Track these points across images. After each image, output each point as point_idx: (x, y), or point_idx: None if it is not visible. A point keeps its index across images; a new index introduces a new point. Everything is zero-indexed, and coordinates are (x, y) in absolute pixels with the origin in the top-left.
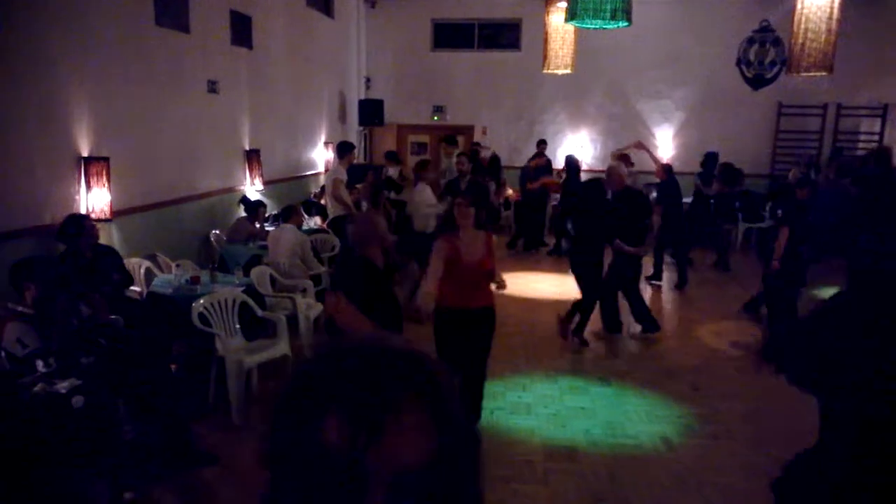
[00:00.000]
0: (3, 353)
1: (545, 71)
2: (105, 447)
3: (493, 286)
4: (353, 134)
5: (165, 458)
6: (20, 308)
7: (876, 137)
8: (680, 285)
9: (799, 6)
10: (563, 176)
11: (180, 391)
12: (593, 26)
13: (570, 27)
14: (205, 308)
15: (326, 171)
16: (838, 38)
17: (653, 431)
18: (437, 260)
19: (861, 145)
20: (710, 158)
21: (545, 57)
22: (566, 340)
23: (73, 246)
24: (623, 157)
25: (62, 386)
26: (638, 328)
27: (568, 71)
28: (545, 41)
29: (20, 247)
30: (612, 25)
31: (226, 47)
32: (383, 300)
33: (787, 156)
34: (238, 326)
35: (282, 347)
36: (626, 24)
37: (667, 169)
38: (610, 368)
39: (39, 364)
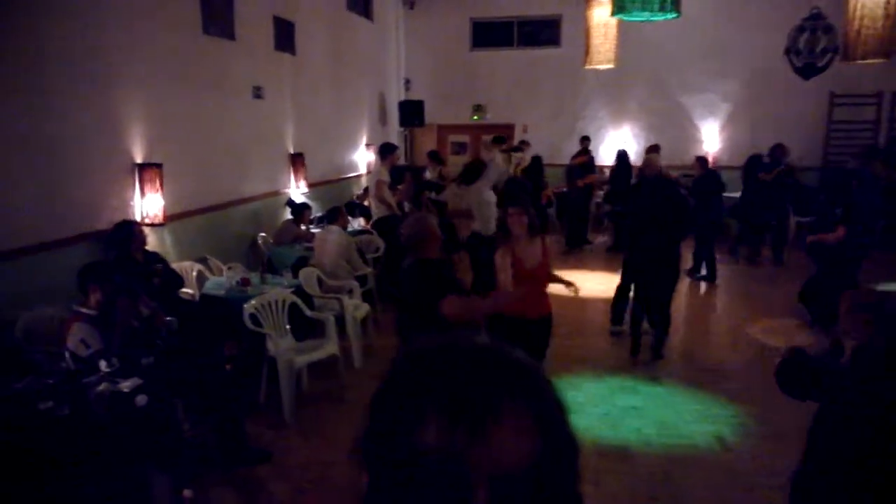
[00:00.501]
0: (67, 354)
1: (587, 66)
2: (167, 444)
3: (568, 290)
4: (394, 135)
5: (220, 456)
6: (84, 310)
7: None
8: (710, 278)
9: None
10: (608, 172)
11: (233, 390)
12: (640, 19)
13: (612, 21)
14: (256, 309)
15: (368, 172)
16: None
17: (707, 431)
18: (503, 270)
19: None
20: (752, 161)
21: (587, 52)
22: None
23: (124, 251)
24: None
25: (125, 385)
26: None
27: (610, 66)
28: (587, 36)
29: (80, 252)
30: (659, 17)
31: (270, 53)
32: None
33: (840, 147)
34: (288, 327)
35: (330, 347)
36: (674, 15)
37: (702, 162)
38: (660, 367)
39: (103, 364)
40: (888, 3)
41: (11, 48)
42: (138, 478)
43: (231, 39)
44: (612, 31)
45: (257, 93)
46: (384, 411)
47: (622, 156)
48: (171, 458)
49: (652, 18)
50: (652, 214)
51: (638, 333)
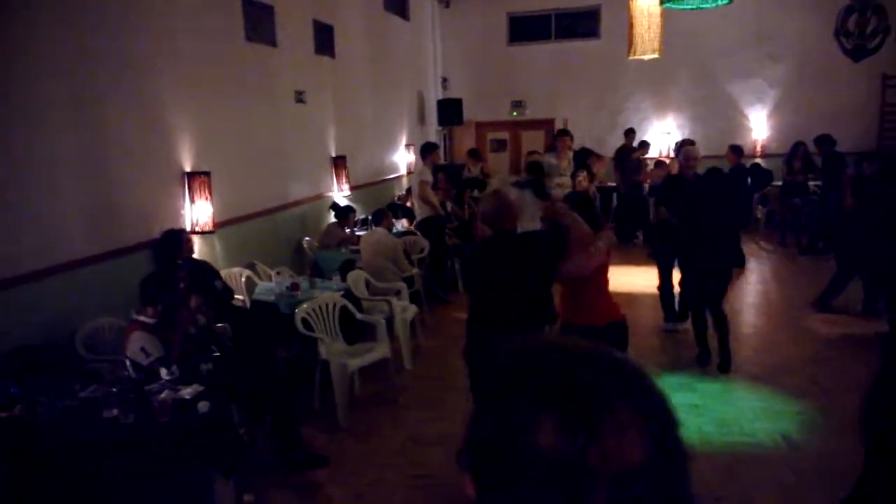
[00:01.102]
0: (127, 362)
1: (631, 57)
2: (229, 450)
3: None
4: (433, 134)
5: (277, 461)
6: (143, 318)
7: None
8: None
9: None
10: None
11: (289, 394)
12: (691, 6)
13: (656, 10)
14: (307, 314)
15: (409, 173)
16: None
17: (771, 428)
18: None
19: None
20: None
21: (630, 43)
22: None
23: (172, 260)
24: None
25: (186, 392)
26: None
27: (655, 56)
28: (630, 26)
29: (134, 261)
30: (710, 5)
31: (310, 57)
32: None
33: (895, 130)
34: (338, 331)
35: (382, 350)
36: (726, 1)
37: (736, 151)
38: (715, 363)
39: (163, 372)
40: None
41: (57, 61)
42: (202, 483)
43: (272, 46)
44: (657, 21)
45: (299, 97)
46: (496, 413)
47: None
48: (234, 464)
49: (702, 6)
50: (706, 213)
51: (705, 341)
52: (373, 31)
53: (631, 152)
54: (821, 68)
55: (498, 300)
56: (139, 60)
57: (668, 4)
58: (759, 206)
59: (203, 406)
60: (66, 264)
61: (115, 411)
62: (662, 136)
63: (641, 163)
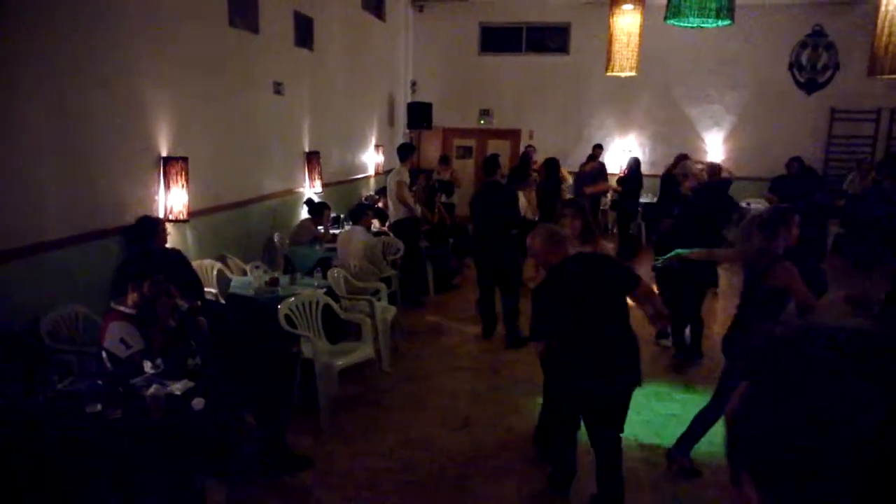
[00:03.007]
0: (104, 354)
1: (608, 73)
2: (224, 451)
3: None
4: (401, 137)
5: (262, 463)
6: (122, 308)
7: None
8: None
9: (883, 6)
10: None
11: (277, 393)
12: (691, 25)
13: (636, 29)
14: (290, 310)
15: (377, 174)
16: None
17: None
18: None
19: None
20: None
21: (608, 59)
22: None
23: (144, 248)
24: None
25: (176, 387)
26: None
27: (632, 73)
28: (609, 43)
29: (106, 247)
30: (710, 24)
31: (290, 48)
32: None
33: (840, 160)
34: (321, 329)
35: (367, 350)
36: (728, 22)
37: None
38: (691, 373)
39: (147, 365)
40: None
41: (30, 41)
42: (194, 486)
43: (255, 33)
44: (635, 40)
45: (277, 88)
46: (822, 398)
47: (635, 163)
48: (228, 466)
49: (703, 25)
50: (699, 223)
51: (684, 343)
52: (350, 29)
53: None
54: (775, 98)
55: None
56: (118, 40)
57: (671, 21)
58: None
59: (198, 403)
60: (31, 247)
61: (98, 406)
62: (624, 153)
63: (596, 175)
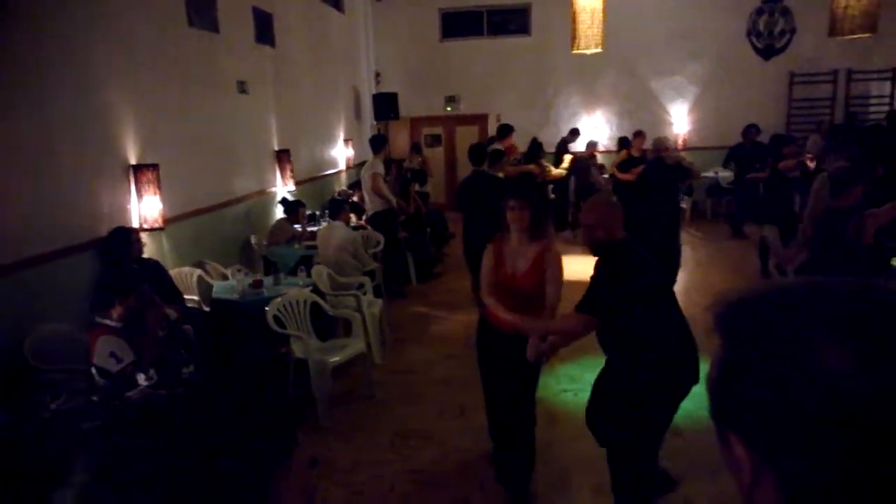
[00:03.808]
0: (94, 370)
1: (574, 51)
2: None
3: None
4: (368, 129)
5: None
6: (108, 322)
7: (887, 101)
8: None
9: None
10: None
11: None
12: None
13: (599, 5)
14: (279, 311)
15: (348, 168)
16: None
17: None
18: (485, 265)
19: (872, 109)
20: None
21: (573, 37)
22: None
23: (119, 259)
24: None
25: None
26: None
27: (598, 50)
28: (573, 21)
29: (81, 261)
30: None
31: (251, 46)
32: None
33: (801, 123)
34: (310, 327)
35: (358, 345)
36: None
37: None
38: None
39: (141, 377)
40: None
41: None
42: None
43: (215, 32)
44: (599, 16)
45: (242, 87)
46: (802, 358)
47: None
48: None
49: None
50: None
51: None
52: (310, 22)
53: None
54: (735, 66)
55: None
56: (80, 45)
57: None
58: (685, 197)
59: None
60: (4, 267)
61: (97, 423)
62: (592, 130)
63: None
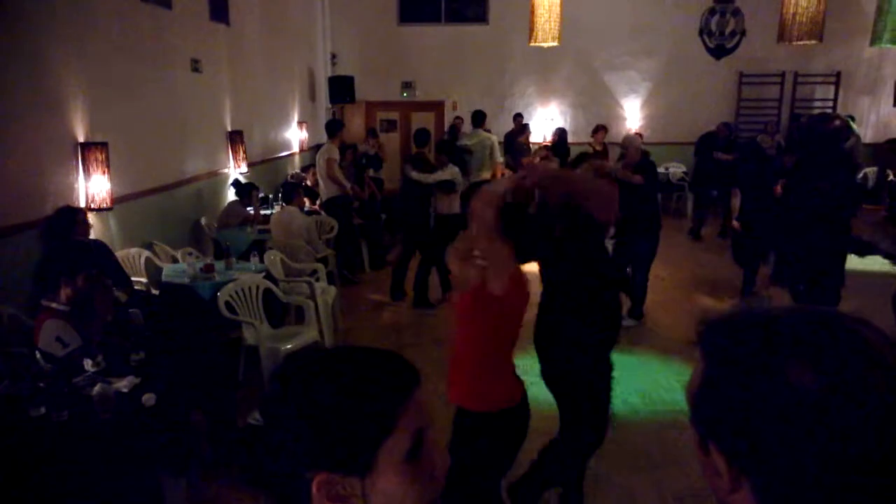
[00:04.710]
0: (38, 354)
1: (531, 44)
2: (180, 446)
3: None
4: (323, 112)
5: (215, 453)
6: (54, 305)
7: (830, 103)
8: None
9: None
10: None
11: (221, 383)
12: None
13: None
14: (230, 296)
15: (301, 150)
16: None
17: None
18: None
19: (817, 111)
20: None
21: (531, 30)
22: None
23: (65, 241)
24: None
25: (122, 385)
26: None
27: (555, 44)
28: (531, 13)
29: (24, 240)
30: None
31: (205, 23)
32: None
33: (749, 123)
34: (263, 314)
35: (311, 333)
36: None
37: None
38: (628, 338)
39: (88, 363)
40: None
41: None
42: (150, 483)
43: (168, 8)
44: (556, 10)
45: (195, 66)
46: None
47: (562, 133)
48: (186, 461)
49: None
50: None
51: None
52: (266, 1)
53: (518, 136)
54: (687, 64)
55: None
56: (26, 16)
57: None
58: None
59: (149, 399)
60: None
61: (42, 409)
62: (546, 122)
63: (526, 147)
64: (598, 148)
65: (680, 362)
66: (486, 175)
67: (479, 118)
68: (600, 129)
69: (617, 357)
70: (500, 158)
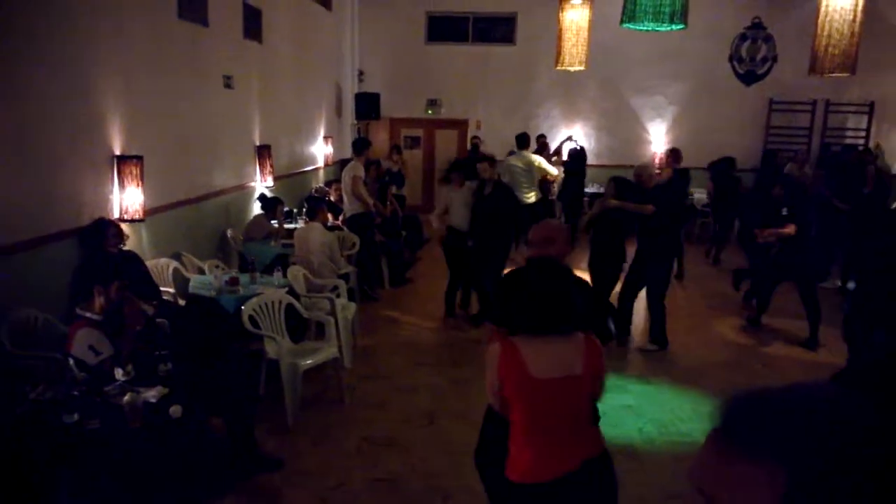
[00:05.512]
0: (71, 361)
1: (558, 68)
2: (203, 456)
3: None
4: (349, 128)
5: (234, 463)
6: (89, 314)
7: (863, 134)
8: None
9: (823, 7)
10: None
11: (247, 394)
12: (647, 28)
13: (584, 24)
14: (254, 310)
15: (326, 165)
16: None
17: (705, 429)
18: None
19: (848, 141)
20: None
21: (558, 54)
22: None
23: (100, 251)
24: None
25: (150, 394)
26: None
27: (581, 68)
28: (559, 38)
29: (61, 249)
30: (665, 28)
31: (239, 41)
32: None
33: (778, 151)
34: (284, 329)
35: (331, 349)
36: (681, 26)
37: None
38: (643, 366)
39: (119, 372)
40: (853, 21)
41: None
42: (175, 492)
43: (204, 25)
44: (584, 35)
45: (227, 82)
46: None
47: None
48: (207, 470)
49: (657, 28)
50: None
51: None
52: (298, 19)
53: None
54: (715, 89)
55: None
56: (66, 33)
57: (626, 25)
58: None
59: (175, 411)
60: None
61: (76, 416)
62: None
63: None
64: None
65: (695, 392)
66: (533, 197)
67: (524, 140)
68: (670, 154)
69: (633, 386)
70: (550, 171)
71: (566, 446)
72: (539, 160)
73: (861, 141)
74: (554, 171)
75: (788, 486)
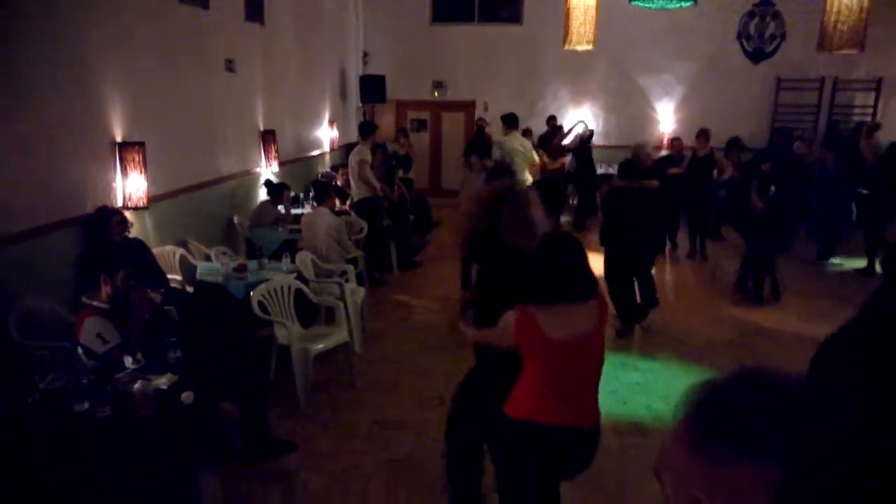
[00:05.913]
0: (80, 350)
1: (566, 47)
2: (215, 442)
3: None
4: (354, 111)
5: (245, 447)
6: (96, 303)
7: (870, 111)
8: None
9: None
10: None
11: (259, 379)
12: (655, 6)
13: (592, 2)
14: (263, 296)
15: (332, 149)
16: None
17: None
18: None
19: (856, 118)
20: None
21: (566, 33)
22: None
23: (104, 238)
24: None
25: (161, 382)
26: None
27: (590, 47)
28: (566, 17)
29: (65, 237)
30: (674, 5)
31: (240, 23)
32: None
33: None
34: (294, 314)
35: (342, 334)
36: (690, 2)
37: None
38: (650, 343)
39: (128, 360)
40: None
41: None
42: (187, 478)
43: (205, 8)
44: (592, 14)
45: (229, 66)
46: None
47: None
48: (220, 455)
49: (666, 6)
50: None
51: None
52: (300, 0)
53: (551, 139)
54: (723, 68)
55: None
56: (67, 18)
57: (636, 2)
58: None
59: (187, 397)
60: None
61: (86, 404)
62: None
63: (560, 149)
64: (702, 153)
65: (701, 369)
66: (529, 178)
67: (512, 120)
68: (700, 134)
69: (641, 362)
70: (536, 159)
71: (580, 402)
72: (529, 145)
73: (868, 118)
74: (536, 158)
75: (782, 482)
